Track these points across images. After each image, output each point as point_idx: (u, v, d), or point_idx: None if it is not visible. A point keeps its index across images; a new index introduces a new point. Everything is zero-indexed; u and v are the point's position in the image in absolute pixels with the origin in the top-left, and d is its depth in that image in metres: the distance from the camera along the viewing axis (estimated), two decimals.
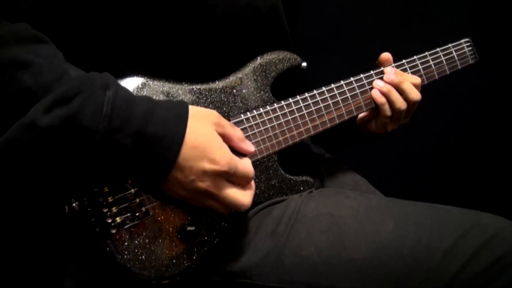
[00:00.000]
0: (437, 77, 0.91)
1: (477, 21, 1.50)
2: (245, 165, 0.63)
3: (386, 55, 0.86)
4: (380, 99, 0.82)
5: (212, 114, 0.62)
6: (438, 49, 0.92)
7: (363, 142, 0.96)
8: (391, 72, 0.83)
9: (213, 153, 0.58)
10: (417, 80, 0.85)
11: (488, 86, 1.56)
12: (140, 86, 0.66)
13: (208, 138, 0.59)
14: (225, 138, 0.62)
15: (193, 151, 0.57)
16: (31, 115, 0.52)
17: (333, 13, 1.47)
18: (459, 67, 0.94)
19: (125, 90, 0.57)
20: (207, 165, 0.58)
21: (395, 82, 0.82)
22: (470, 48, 0.96)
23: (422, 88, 0.87)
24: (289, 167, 0.76)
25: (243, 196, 0.62)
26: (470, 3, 1.51)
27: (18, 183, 0.56)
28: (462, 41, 0.95)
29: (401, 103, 0.82)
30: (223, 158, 0.59)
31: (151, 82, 0.67)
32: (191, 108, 0.60)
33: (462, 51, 0.95)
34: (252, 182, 0.65)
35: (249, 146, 0.65)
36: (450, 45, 0.94)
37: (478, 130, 1.62)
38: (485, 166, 1.64)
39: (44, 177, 0.56)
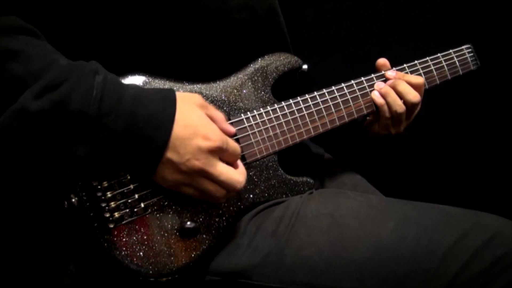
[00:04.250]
0: (438, 82, 0.91)
1: (477, 23, 1.51)
2: (234, 142, 0.64)
3: (382, 60, 0.87)
4: (379, 99, 0.83)
5: (197, 96, 0.63)
6: (439, 54, 0.92)
7: (373, 147, 0.96)
8: (391, 75, 0.84)
9: (204, 130, 0.59)
10: (419, 80, 0.85)
11: (488, 86, 1.57)
12: (142, 84, 0.67)
13: (198, 117, 0.60)
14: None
15: (186, 129, 0.58)
16: (21, 102, 0.52)
17: (333, 14, 1.48)
18: (460, 72, 0.95)
19: (113, 76, 0.58)
20: (201, 142, 0.59)
21: (390, 84, 0.83)
22: (471, 54, 0.97)
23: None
24: (289, 167, 0.76)
25: (236, 173, 0.62)
26: (470, 5, 1.53)
27: (10, 172, 0.56)
28: (463, 47, 0.96)
29: (398, 106, 0.82)
30: (215, 134, 0.60)
31: (152, 81, 0.67)
32: (177, 92, 0.61)
33: (463, 57, 0.95)
34: (240, 163, 0.66)
35: (230, 126, 0.67)
36: (451, 50, 0.94)
37: (478, 130, 1.62)
38: (485, 166, 1.63)
39: (37, 165, 0.56)
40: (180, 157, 0.57)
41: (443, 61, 0.92)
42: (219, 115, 0.65)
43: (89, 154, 0.55)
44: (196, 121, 0.60)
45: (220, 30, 0.72)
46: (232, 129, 0.66)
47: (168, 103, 0.59)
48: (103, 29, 0.68)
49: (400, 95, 0.83)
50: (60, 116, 0.52)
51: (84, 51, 0.66)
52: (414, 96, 0.83)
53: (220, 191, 0.62)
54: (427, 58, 0.91)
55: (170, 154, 0.57)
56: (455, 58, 0.94)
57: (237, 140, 0.70)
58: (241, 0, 0.72)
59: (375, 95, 0.83)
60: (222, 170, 0.61)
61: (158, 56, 0.71)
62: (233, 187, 0.62)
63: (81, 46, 0.67)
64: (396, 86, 0.83)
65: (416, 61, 0.90)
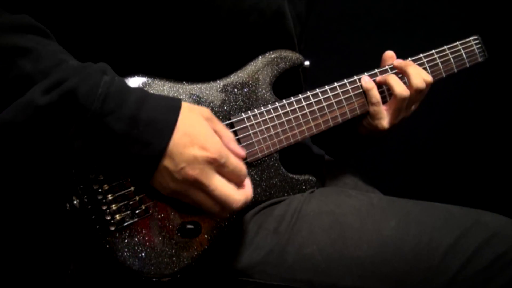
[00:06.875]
0: (444, 75, 0.90)
1: (478, 19, 1.48)
2: (238, 160, 0.61)
3: (389, 53, 0.86)
4: (367, 84, 0.81)
5: (205, 110, 0.61)
6: (445, 46, 0.91)
7: (369, 143, 0.95)
8: (400, 62, 0.84)
9: (203, 141, 0.57)
10: (428, 78, 0.83)
11: (489, 85, 1.55)
12: (142, 85, 0.67)
13: (200, 127, 0.58)
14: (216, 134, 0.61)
15: (184, 138, 0.56)
16: (29, 96, 0.52)
17: (335, 12, 1.47)
18: (467, 65, 0.93)
19: (121, 79, 0.58)
20: (198, 152, 0.56)
21: (402, 65, 0.82)
22: (479, 45, 0.95)
23: None
24: (291, 166, 0.76)
25: (234, 192, 0.59)
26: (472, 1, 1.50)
27: (10, 167, 0.57)
28: (470, 38, 0.94)
29: (420, 79, 0.81)
30: (214, 145, 0.57)
31: (152, 82, 0.67)
32: (184, 102, 0.59)
33: (471, 48, 0.94)
34: (248, 184, 0.62)
35: (240, 149, 0.62)
36: (458, 42, 0.93)
37: (478, 130, 1.60)
38: (485, 165, 1.63)
39: (38, 160, 0.56)
40: (175, 165, 0.56)
41: (449, 54, 0.91)
42: (228, 134, 0.62)
43: (86, 150, 0.55)
44: (197, 130, 0.57)
45: (230, 31, 0.71)
46: (242, 152, 0.63)
47: (172, 110, 0.57)
48: (112, 29, 0.68)
49: (408, 77, 0.82)
50: (65, 108, 0.52)
51: (91, 51, 0.66)
52: (420, 82, 0.81)
53: (214, 207, 0.59)
54: (433, 51, 0.89)
55: (166, 162, 0.56)
56: (462, 50, 0.92)
57: (238, 140, 0.70)
58: (252, 2, 0.71)
59: (364, 80, 0.81)
60: (218, 184, 0.58)
61: (164, 56, 0.71)
62: (228, 205, 0.58)
63: (88, 46, 0.67)
64: (407, 66, 0.82)
65: (421, 54, 0.88)
